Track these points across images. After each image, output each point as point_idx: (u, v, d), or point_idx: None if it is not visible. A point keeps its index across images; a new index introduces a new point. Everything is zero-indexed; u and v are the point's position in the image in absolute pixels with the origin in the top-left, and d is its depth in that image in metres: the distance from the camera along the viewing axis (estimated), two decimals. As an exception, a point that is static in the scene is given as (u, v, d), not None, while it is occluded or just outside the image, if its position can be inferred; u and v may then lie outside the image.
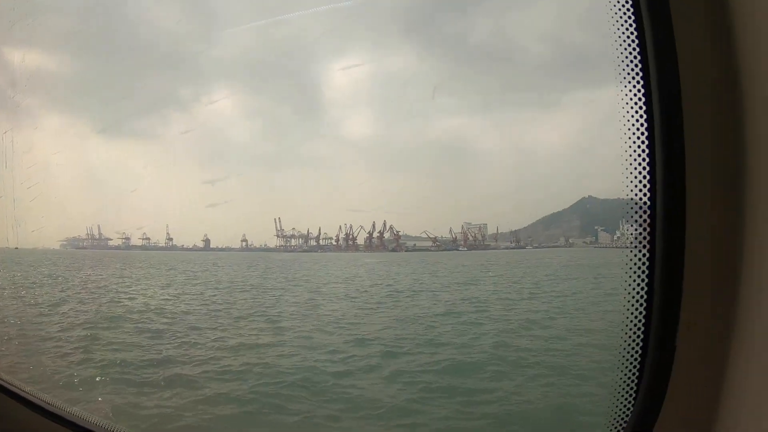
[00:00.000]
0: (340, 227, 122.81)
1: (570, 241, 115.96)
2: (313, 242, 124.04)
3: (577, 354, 12.20)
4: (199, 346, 13.78)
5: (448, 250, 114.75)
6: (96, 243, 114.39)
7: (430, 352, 12.82)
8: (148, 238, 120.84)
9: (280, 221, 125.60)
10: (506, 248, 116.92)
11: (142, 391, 9.44)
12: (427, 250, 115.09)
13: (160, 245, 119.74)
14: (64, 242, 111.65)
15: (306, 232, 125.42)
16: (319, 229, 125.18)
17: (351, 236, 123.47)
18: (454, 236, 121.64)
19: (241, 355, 12.65)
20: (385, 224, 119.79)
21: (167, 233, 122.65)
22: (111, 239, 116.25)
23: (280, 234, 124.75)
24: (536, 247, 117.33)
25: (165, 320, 18.39)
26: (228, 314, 19.85)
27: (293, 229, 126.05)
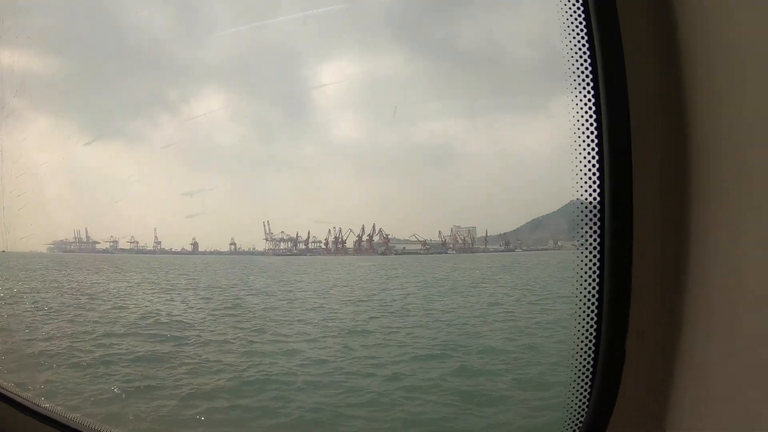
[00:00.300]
0: (329, 231, 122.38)
1: (558, 243, 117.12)
2: (302, 246, 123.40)
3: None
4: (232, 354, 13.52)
5: (438, 253, 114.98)
6: (84, 246, 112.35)
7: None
8: (136, 242, 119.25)
9: (269, 224, 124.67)
10: (495, 251, 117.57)
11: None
12: (416, 253, 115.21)
13: (148, 249, 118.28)
14: (52, 246, 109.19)
15: (295, 236, 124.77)
16: (308, 233, 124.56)
17: (340, 240, 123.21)
18: (443, 239, 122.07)
19: (278, 362, 12.40)
20: (374, 227, 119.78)
21: (155, 236, 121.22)
22: (99, 243, 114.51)
23: (269, 237, 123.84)
24: (525, 250, 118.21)
25: (180, 328, 18.01)
26: (251, 321, 19.52)
27: (282, 232, 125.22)
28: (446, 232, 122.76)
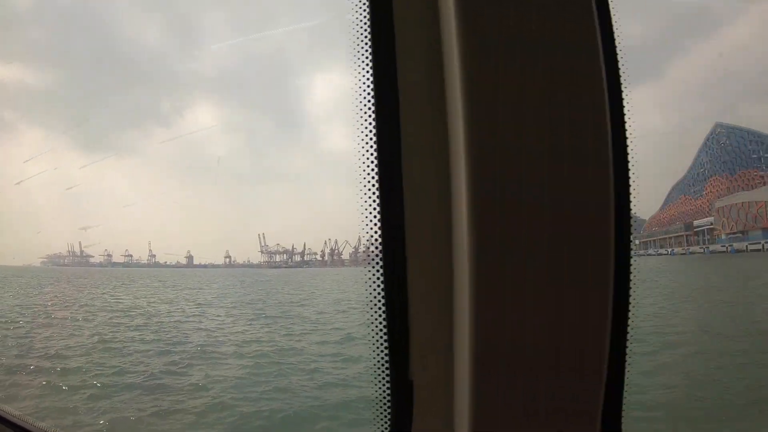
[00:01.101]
0: (325, 242, 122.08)
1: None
2: (297, 257, 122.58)
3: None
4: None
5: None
6: (77, 260, 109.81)
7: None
8: (131, 255, 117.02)
9: (264, 237, 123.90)
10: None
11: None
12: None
13: (143, 262, 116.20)
14: (45, 259, 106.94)
15: (291, 248, 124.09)
16: (304, 245, 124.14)
17: (336, 251, 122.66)
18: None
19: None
20: (370, 238, 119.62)
21: (149, 250, 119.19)
22: (92, 256, 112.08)
23: (264, 250, 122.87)
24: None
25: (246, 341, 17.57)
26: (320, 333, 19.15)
27: (277, 244, 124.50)
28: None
